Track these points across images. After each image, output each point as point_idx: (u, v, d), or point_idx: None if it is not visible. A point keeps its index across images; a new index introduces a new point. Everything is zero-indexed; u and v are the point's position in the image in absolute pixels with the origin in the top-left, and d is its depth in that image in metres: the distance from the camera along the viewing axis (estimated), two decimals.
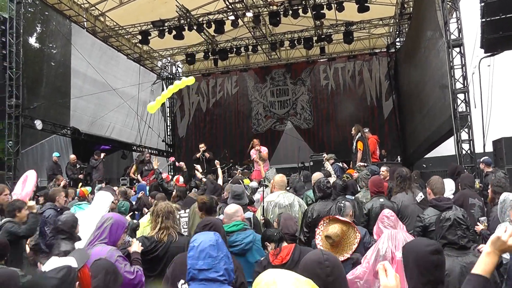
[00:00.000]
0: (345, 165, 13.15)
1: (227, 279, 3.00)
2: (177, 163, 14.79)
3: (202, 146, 14.90)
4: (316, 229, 4.93)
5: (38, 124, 15.93)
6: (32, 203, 7.10)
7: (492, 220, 5.83)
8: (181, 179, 11.24)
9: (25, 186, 7.36)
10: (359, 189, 8.53)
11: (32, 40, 17.95)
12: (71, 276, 2.75)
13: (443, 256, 3.11)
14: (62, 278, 2.68)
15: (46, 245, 6.90)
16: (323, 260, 2.63)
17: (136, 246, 4.57)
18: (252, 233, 4.95)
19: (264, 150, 13.68)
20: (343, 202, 6.12)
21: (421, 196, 6.60)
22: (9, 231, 6.10)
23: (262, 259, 4.46)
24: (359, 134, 12.49)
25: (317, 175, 8.20)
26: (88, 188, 10.42)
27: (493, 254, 2.40)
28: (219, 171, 11.34)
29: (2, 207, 6.73)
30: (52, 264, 2.79)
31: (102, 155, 16.15)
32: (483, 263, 2.42)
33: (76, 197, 9.55)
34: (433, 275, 2.99)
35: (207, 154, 14.60)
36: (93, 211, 6.24)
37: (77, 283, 2.81)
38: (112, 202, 7.07)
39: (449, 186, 6.84)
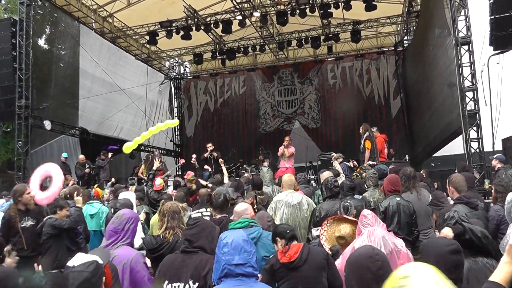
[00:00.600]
0: (355, 163, 13.17)
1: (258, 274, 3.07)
2: (192, 160, 14.81)
3: (209, 146, 14.98)
4: (319, 229, 4.98)
5: (47, 124, 16.02)
6: (79, 198, 7.44)
7: (491, 219, 5.82)
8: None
9: (51, 184, 7.48)
10: (366, 188, 8.54)
11: (41, 42, 18.05)
12: (100, 270, 2.85)
13: (462, 256, 3.13)
14: (93, 272, 2.78)
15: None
16: (373, 254, 2.73)
17: None
18: (258, 230, 4.96)
19: (291, 149, 14.37)
20: (348, 201, 6.15)
21: (430, 198, 6.57)
22: (53, 224, 6.40)
23: (271, 256, 4.47)
24: (367, 133, 12.47)
25: (325, 174, 8.21)
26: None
27: (511, 263, 2.42)
28: (224, 170, 11.42)
29: (27, 207, 6.84)
30: (79, 259, 2.86)
31: (110, 155, 16.19)
32: (501, 272, 2.44)
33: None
34: (452, 274, 2.95)
35: (215, 154, 14.67)
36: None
37: (104, 278, 2.90)
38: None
39: None
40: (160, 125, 12.99)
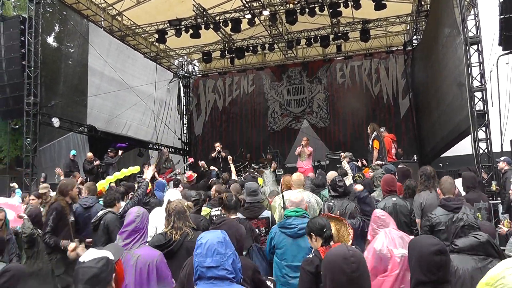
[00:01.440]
0: (364, 162, 13.12)
1: (235, 278, 2.99)
2: (200, 163, 14.79)
3: (217, 145, 14.97)
4: None
5: (56, 121, 16.09)
6: None
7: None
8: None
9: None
10: (375, 188, 8.51)
11: (50, 39, 18.14)
12: (110, 267, 2.85)
13: (447, 257, 3.08)
14: (102, 268, 2.78)
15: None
16: (348, 256, 2.66)
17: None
18: None
19: (309, 148, 14.63)
20: (332, 201, 6.15)
21: None
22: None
23: (311, 256, 4.20)
24: (375, 133, 12.42)
25: (331, 174, 8.22)
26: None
27: None
28: (233, 168, 11.42)
29: (73, 200, 6.85)
30: (90, 255, 2.87)
31: (120, 152, 16.22)
32: None
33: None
34: (435, 275, 2.99)
35: (223, 153, 14.66)
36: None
37: (114, 275, 2.89)
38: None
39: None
40: (124, 170, 13.48)
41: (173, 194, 6.67)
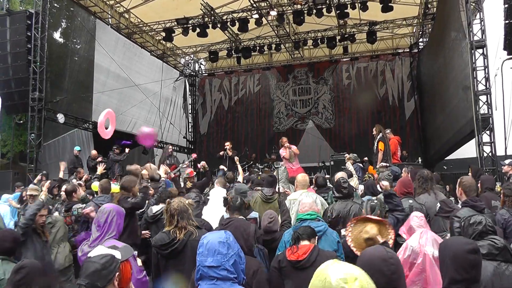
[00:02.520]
0: (366, 158, 13.09)
1: (238, 278, 2.96)
2: (198, 165, 14.73)
3: (227, 144, 14.91)
4: (344, 230, 4.95)
5: (61, 117, 16.11)
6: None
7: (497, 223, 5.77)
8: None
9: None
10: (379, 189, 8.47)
11: (57, 35, 18.15)
12: (113, 265, 2.89)
13: (480, 256, 3.11)
14: (104, 264, 2.83)
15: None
16: (388, 257, 2.67)
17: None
18: (324, 225, 5.08)
19: (294, 147, 13.95)
20: (375, 201, 6.11)
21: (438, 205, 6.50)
22: None
23: (279, 253, 4.46)
24: (380, 135, 12.40)
25: (338, 175, 8.19)
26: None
27: None
28: (239, 168, 11.39)
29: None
30: (98, 251, 2.96)
31: (127, 150, 16.17)
32: None
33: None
34: (468, 273, 3.01)
35: (229, 152, 14.61)
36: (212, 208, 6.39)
37: (117, 273, 2.91)
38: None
39: None
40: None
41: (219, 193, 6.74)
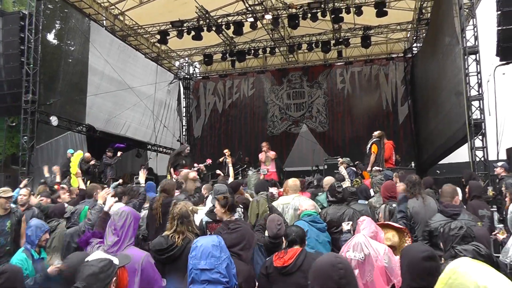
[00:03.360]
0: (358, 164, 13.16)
1: (229, 282, 2.95)
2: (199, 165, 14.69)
3: (226, 151, 14.95)
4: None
5: (54, 120, 16.04)
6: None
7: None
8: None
9: None
10: (372, 194, 8.50)
11: (51, 37, 18.12)
12: (111, 269, 2.90)
13: (437, 263, 3.14)
14: (102, 268, 2.85)
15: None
16: (336, 262, 2.67)
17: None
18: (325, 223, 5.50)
19: (272, 152, 14.54)
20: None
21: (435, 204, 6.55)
22: None
23: (267, 259, 4.41)
24: (376, 139, 12.47)
25: (328, 180, 8.23)
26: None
27: None
28: (231, 170, 11.39)
29: None
30: (96, 255, 2.98)
31: (119, 153, 16.11)
32: None
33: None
34: (425, 281, 3.00)
35: (228, 158, 14.69)
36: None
37: (114, 278, 2.92)
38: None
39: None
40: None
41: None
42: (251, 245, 4.24)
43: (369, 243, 4.38)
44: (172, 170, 13.80)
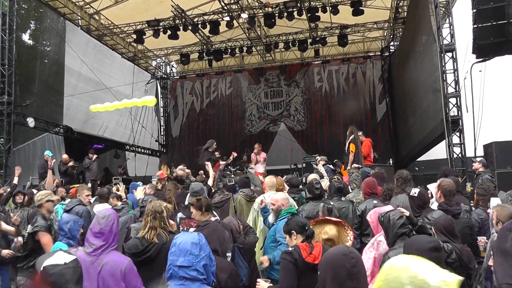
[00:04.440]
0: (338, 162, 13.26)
1: (207, 280, 2.98)
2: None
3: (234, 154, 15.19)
4: None
5: (31, 121, 15.85)
6: None
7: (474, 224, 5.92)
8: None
9: None
10: (350, 190, 8.59)
11: (26, 37, 17.91)
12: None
13: (441, 254, 3.26)
14: (82, 269, 2.94)
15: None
16: (348, 252, 2.75)
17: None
18: None
19: (263, 154, 15.16)
20: (331, 203, 6.18)
21: (414, 193, 6.60)
22: None
23: (291, 249, 4.35)
24: (352, 136, 12.54)
25: (311, 176, 8.31)
26: None
27: None
28: (211, 172, 11.43)
29: None
30: (62, 257, 2.93)
31: (94, 156, 15.96)
32: None
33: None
34: None
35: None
36: None
37: None
38: None
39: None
40: (137, 101, 12.73)
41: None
42: (224, 239, 4.25)
43: None
44: (209, 165, 13.79)
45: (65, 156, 15.29)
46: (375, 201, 6.53)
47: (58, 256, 2.92)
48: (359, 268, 2.72)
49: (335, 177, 10.41)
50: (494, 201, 5.75)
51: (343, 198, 7.40)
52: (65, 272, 2.82)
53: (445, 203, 5.61)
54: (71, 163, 14.87)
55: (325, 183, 9.22)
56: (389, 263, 2.17)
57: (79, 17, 19.07)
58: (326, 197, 7.44)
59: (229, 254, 4.84)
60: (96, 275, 3.86)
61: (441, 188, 5.85)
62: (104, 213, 4.21)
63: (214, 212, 6.73)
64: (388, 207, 5.02)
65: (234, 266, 4.47)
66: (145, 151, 24.30)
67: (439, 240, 3.56)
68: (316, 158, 12.81)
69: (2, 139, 14.64)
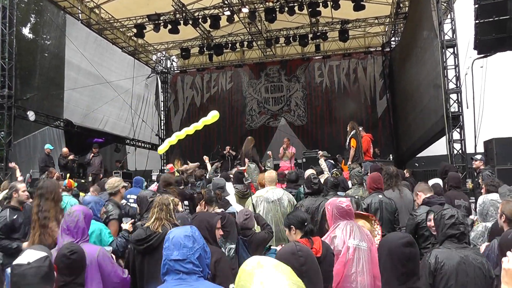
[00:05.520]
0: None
1: (203, 272, 2.98)
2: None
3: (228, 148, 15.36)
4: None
5: (31, 115, 15.85)
6: None
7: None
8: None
9: None
10: (350, 185, 8.59)
11: (26, 31, 17.90)
12: (52, 264, 2.88)
13: (415, 249, 3.26)
14: (50, 266, 2.81)
15: None
16: (296, 251, 2.77)
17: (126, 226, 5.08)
18: None
19: (292, 149, 15.25)
20: (379, 196, 6.25)
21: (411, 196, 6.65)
22: None
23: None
24: (353, 131, 12.53)
25: (308, 171, 8.31)
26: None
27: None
28: (208, 166, 11.50)
29: None
30: (31, 255, 2.83)
31: (91, 155, 15.99)
32: None
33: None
34: (405, 267, 3.12)
35: (232, 152, 15.12)
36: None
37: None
38: None
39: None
40: (206, 119, 12.68)
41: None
42: (212, 226, 4.27)
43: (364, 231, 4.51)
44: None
45: (65, 149, 15.34)
46: (380, 196, 6.52)
47: (26, 254, 2.85)
48: (309, 265, 2.74)
49: (334, 171, 10.44)
50: (481, 199, 5.85)
51: (339, 193, 7.39)
52: (26, 272, 2.73)
53: (427, 197, 5.87)
54: (71, 157, 14.91)
55: (323, 179, 9.23)
56: (244, 264, 2.15)
57: (80, 11, 19.04)
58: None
59: (233, 246, 4.92)
60: None
61: (417, 190, 6.04)
62: (70, 210, 4.31)
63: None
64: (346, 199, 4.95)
65: (223, 252, 4.53)
66: (145, 145, 24.30)
67: (410, 235, 3.55)
68: (318, 153, 12.83)
69: (2, 133, 14.66)
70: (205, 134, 23.74)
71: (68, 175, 12.40)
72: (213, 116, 12.60)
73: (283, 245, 4.56)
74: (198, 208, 5.75)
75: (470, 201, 8.20)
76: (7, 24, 14.69)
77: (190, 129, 12.11)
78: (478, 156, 10.19)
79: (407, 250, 3.15)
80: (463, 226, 4.15)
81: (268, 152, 15.84)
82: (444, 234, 4.10)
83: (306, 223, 4.35)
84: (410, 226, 5.72)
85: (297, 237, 4.31)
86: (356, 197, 6.66)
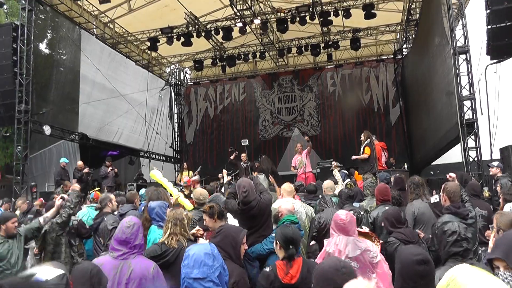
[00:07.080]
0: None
1: None
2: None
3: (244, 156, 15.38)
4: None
5: (47, 129, 16.04)
6: None
7: None
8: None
9: None
10: (365, 197, 8.57)
11: (42, 46, 18.15)
12: (68, 282, 2.82)
13: (430, 267, 3.11)
14: (66, 285, 2.76)
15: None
16: (340, 267, 2.68)
17: None
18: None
19: (303, 155, 14.80)
20: (386, 208, 6.20)
21: (435, 199, 6.56)
22: None
23: (268, 270, 4.12)
24: (368, 140, 12.46)
25: (327, 183, 8.31)
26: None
27: None
28: (226, 179, 11.57)
29: None
30: (50, 272, 2.78)
31: (108, 164, 16.07)
32: None
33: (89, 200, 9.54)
34: (416, 283, 3.02)
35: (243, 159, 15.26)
36: None
37: None
38: None
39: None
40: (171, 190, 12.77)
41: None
42: (237, 243, 4.12)
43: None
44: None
45: (80, 163, 15.48)
46: (387, 207, 6.47)
47: (43, 271, 2.75)
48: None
49: (348, 182, 10.39)
50: (507, 207, 5.74)
51: (355, 204, 7.39)
52: None
53: (453, 205, 5.53)
54: (86, 170, 15.04)
55: (338, 190, 9.23)
56: (449, 275, 2.12)
57: (94, 26, 19.27)
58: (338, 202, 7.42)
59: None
60: (125, 279, 3.83)
61: (446, 191, 5.74)
62: (129, 222, 4.16)
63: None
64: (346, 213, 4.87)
65: (245, 272, 4.38)
66: (159, 157, 24.41)
67: (426, 253, 3.41)
68: (332, 163, 12.81)
69: (19, 147, 14.81)
70: (219, 145, 23.87)
71: (97, 188, 12.47)
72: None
73: None
74: (208, 222, 5.58)
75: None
76: (25, 41, 14.93)
77: (168, 187, 12.13)
78: (495, 163, 10.01)
79: (421, 268, 3.04)
80: (466, 242, 4.03)
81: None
82: (447, 252, 3.99)
83: (291, 246, 4.08)
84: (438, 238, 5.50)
85: (281, 254, 4.11)
86: (361, 213, 6.61)
